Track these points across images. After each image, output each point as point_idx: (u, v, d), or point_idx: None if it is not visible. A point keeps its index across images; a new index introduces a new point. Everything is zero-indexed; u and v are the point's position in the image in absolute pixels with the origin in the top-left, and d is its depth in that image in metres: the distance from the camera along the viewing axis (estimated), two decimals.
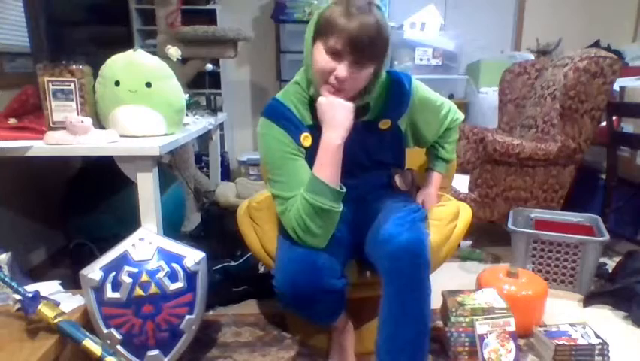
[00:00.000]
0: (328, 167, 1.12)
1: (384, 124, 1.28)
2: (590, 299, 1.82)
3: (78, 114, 1.39)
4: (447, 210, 1.45)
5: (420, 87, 1.32)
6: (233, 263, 1.83)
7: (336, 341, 1.41)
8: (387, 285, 1.12)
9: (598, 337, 1.44)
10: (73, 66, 1.38)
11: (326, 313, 1.26)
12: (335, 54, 1.07)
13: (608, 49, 3.38)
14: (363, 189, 1.31)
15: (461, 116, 1.45)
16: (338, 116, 1.12)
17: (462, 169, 2.44)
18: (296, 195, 1.14)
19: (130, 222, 1.41)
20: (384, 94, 1.26)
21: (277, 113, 1.22)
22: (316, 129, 1.19)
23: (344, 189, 1.14)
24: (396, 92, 1.27)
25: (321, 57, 1.09)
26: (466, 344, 1.44)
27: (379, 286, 1.15)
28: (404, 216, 1.15)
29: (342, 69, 1.07)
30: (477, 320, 1.41)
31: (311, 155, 1.19)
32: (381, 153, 1.32)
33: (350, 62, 1.07)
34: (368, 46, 1.05)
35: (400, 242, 1.07)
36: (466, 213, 1.52)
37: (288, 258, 1.15)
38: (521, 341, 1.55)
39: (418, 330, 1.14)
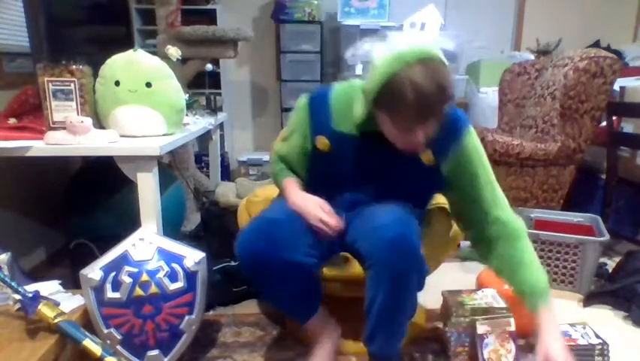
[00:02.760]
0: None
1: (426, 156, 1.21)
2: (590, 299, 1.82)
3: (78, 114, 1.39)
4: (447, 212, 1.45)
5: (474, 141, 1.23)
6: (233, 263, 1.83)
7: (315, 350, 1.32)
8: (371, 269, 1.13)
9: (598, 337, 1.44)
10: (73, 66, 1.38)
11: (296, 296, 1.22)
12: (406, 128, 1.07)
13: (608, 49, 3.38)
14: (366, 200, 1.30)
15: (524, 227, 1.24)
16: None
17: None
18: (284, 160, 1.38)
19: (130, 222, 1.41)
20: None
21: (316, 105, 1.26)
22: (343, 140, 1.22)
23: None
24: (447, 125, 1.17)
25: (390, 129, 1.10)
26: (466, 344, 1.44)
27: None
28: (399, 210, 1.16)
29: (419, 138, 1.07)
30: (477, 319, 1.41)
31: (326, 159, 1.24)
32: (412, 182, 1.26)
33: (423, 129, 1.06)
34: (437, 112, 1.05)
35: (392, 230, 1.09)
36: None
37: (250, 226, 1.18)
38: (521, 341, 1.55)
39: (402, 319, 1.18)
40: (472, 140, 1.23)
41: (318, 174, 1.31)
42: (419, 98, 0.99)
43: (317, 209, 1.19)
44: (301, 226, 1.19)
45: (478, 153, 1.24)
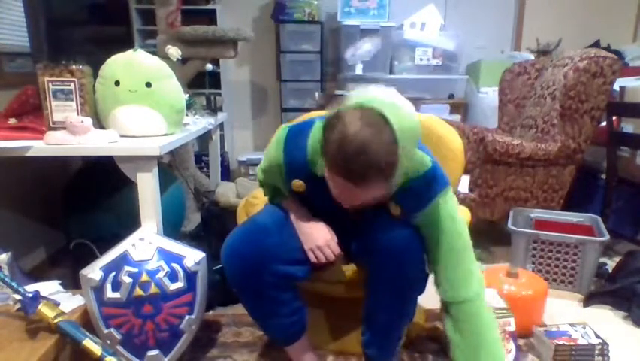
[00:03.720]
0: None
1: (395, 209, 1.10)
2: (590, 299, 1.82)
3: (78, 114, 1.39)
4: None
5: (446, 208, 1.08)
6: None
7: None
8: (374, 274, 1.13)
9: (598, 337, 1.44)
10: (73, 66, 1.38)
11: (277, 310, 1.17)
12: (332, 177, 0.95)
13: (608, 49, 3.38)
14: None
15: (483, 291, 1.14)
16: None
17: None
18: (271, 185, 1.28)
19: (130, 222, 1.41)
20: (407, 180, 1.04)
21: (291, 149, 1.12)
22: (319, 180, 1.06)
23: None
24: (420, 185, 1.05)
25: (326, 175, 0.96)
26: None
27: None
28: (399, 221, 1.13)
29: (347, 199, 0.97)
30: None
31: (303, 197, 1.18)
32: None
33: (348, 188, 0.92)
34: (366, 178, 0.89)
35: (397, 235, 1.08)
36: (465, 216, 1.52)
37: (239, 230, 1.17)
38: (521, 341, 1.55)
39: (403, 323, 1.19)
40: (444, 207, 1.08)
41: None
42: (341, 145, 0.87)
43: (319, 240, 1.16)
44: (291, 232, 1.18)
45: (446, 222, 1.08)
